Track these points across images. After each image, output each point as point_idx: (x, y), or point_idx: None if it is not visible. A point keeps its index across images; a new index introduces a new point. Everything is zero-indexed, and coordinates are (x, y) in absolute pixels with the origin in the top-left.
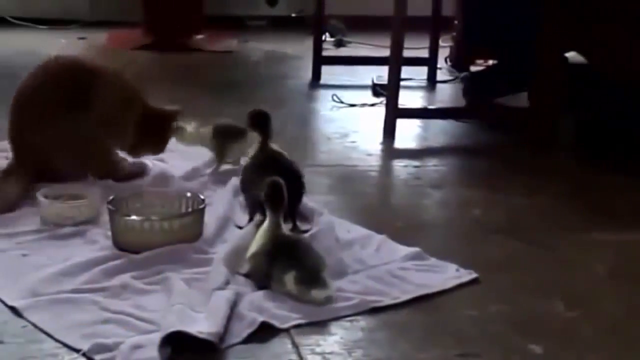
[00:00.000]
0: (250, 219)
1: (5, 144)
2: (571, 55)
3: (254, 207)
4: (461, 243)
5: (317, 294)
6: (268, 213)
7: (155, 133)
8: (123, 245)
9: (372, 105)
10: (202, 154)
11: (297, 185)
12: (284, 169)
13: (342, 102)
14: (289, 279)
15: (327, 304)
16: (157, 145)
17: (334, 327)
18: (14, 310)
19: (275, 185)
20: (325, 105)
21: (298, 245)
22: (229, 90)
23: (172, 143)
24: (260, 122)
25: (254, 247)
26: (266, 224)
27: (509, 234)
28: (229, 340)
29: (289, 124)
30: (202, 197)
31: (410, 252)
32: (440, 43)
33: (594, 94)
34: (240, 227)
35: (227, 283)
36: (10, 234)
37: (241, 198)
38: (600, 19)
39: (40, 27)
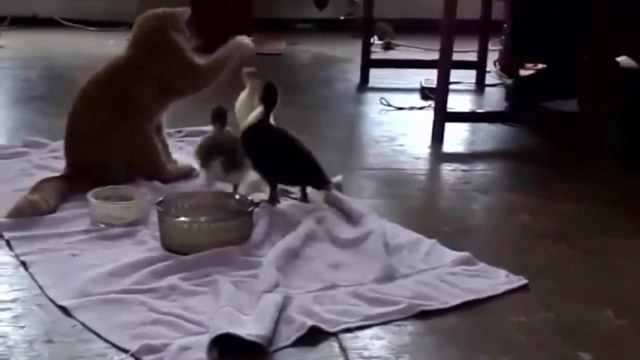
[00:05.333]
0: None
1: (59, 144)
2: (622, 59)
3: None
4: (508, 248)
5: (234, 177)
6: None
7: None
8: (171, 246)
9: (421, 108)
10: None
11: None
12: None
13: (390, 105)
14: (215, 164)
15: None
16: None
17: (382, 332)
18: (63, 309)
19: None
20: (374, 108)
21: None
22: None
23: None
24: (269, 95)
25: None
26: (255, 114)
27: (557, 240)
28: (277, 343)
29: (337, 126)
30: (250, 199)
31: (460, 257)
32: (490, 47)
33: None
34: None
35: (276, 286)
36: (60, 234)
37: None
38: None
39: (90, 28)
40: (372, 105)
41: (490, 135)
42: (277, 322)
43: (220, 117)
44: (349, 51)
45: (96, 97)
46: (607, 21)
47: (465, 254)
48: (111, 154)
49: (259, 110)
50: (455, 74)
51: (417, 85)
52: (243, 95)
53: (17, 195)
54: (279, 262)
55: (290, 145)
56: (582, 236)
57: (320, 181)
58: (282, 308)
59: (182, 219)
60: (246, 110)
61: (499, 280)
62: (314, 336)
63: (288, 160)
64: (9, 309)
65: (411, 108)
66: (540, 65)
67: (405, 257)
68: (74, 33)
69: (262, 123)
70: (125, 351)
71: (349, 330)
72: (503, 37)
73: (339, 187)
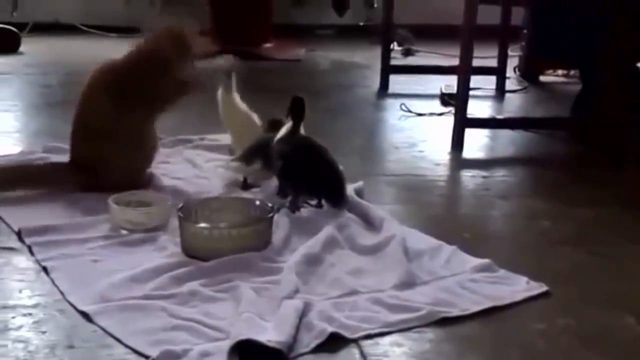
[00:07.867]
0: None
1: None
2: None
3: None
4: (529, 255)
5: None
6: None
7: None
8: (192, 252)
9: (440, 114)
10: None
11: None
12: (319, 158)
13: (410, 112)
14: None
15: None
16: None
17: (402, 338)
18: (84, 315)
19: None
20: (394, 115)
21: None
22: None
23: None
24: (297, 108)
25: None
26: (285, 127)
27: (577, 246)
28: (297, 349)
29: (357, 132)
30: (270, 205)
31: (480, 263)
32: (509, 52)
33: None
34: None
35: (296, 292)
36: (81, 239)
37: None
38: None
39: (110, 34)
40: (392, 111)
41: (510, 141)
42: (297, 329)
43: (274, 127)
44: (368, 57)
45: (99, 97)
46: (627, 26)
47: (486, 260)
48: (111, 154)
49: (289, 124)
50: (475, 80)
51: (437, 91)
52: (220, 94)
53: None
54: (299, 268)
55: (317, 157)
56: (603, 242)
57: (338, 200)
58: (303, 314)
59: (203, 225)
60: (229, 108)
61: (519, 287)
62: (334, 342)
63: (314, 172)
64: (30, 314)
65: (431, 114)
66: (560, 71)
67: (425, 264)
68: (94, 39)
69: (293, 134)
70: (146, 357)
71: (369, 336)
72: (523, 43)
73: (359, 193)
